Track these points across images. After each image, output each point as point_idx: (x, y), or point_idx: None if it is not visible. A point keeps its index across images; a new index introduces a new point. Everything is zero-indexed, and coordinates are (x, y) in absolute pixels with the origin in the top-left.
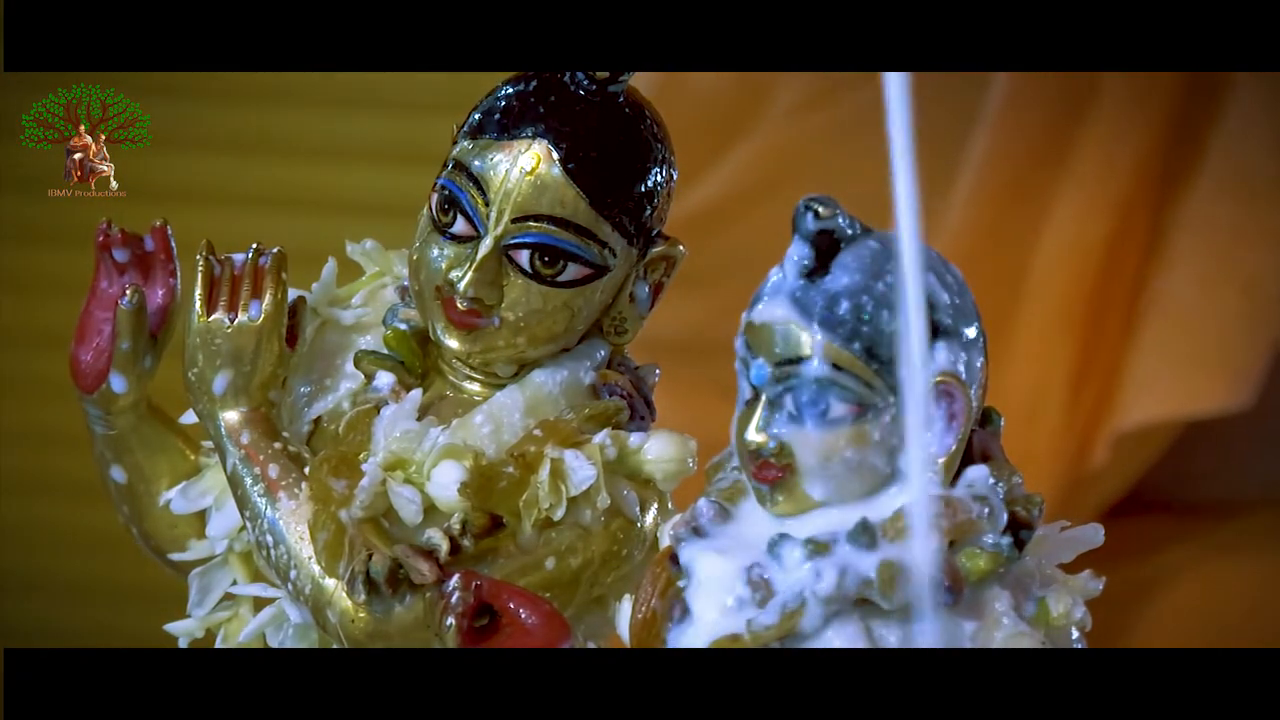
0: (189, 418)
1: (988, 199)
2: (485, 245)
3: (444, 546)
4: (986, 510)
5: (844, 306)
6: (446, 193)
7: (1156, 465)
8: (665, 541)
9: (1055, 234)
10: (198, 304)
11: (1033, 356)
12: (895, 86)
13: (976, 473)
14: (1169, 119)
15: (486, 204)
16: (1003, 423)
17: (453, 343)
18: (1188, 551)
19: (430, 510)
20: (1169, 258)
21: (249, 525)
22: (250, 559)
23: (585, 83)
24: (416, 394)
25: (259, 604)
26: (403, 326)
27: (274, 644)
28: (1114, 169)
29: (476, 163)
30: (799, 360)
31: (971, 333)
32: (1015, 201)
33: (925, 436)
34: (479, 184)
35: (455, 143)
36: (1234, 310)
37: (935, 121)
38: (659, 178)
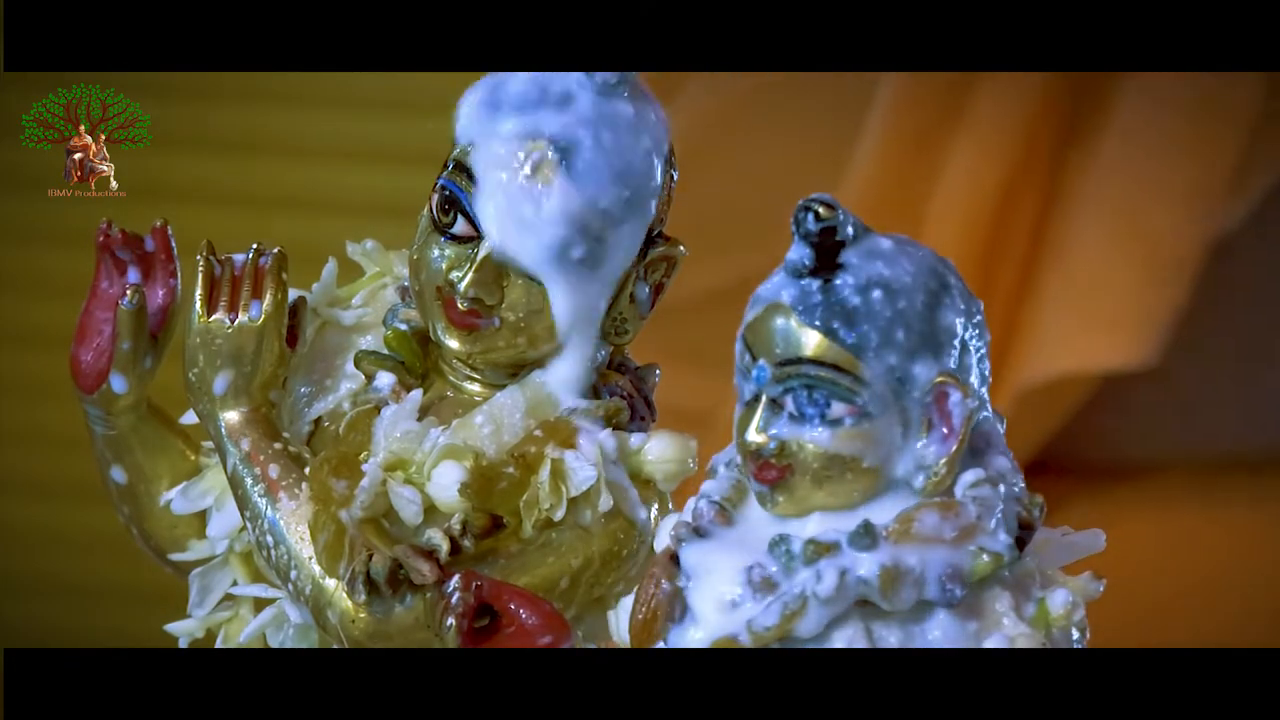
0: (189, 418)
1: (890, 148)
2: (486, 246)
3: (444, 547)
4: (987, 511)
5: (846, 307)
6: (447, 193)
7: (1061, 428)
8: (665, 541)
9: (950, 183)
10: (198, 304)
11: None
12: None
13: (976, 474)
14: (1071, 74)
15: None
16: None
17: (453, 343)
18: (1092, 511)
19: (430, 510)
20: (1072, 213)
21: (249, 525)
22: (250, 559)
23: (586, 83)
24: (417, 394)
25: (259, 604)
26: (403, 327)
27: (274, 644)
28: (1010, 121)
29: None
30: (800, 361)
31: (972, 333)
32: (915, 150)
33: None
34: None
35: (455, 143)
36: (1139, 267)
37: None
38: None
